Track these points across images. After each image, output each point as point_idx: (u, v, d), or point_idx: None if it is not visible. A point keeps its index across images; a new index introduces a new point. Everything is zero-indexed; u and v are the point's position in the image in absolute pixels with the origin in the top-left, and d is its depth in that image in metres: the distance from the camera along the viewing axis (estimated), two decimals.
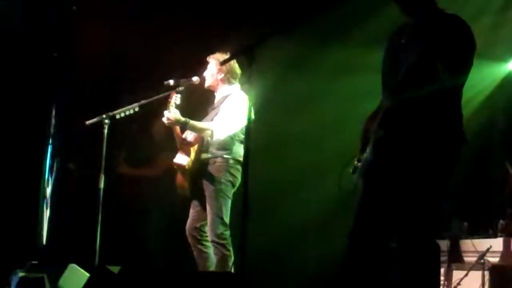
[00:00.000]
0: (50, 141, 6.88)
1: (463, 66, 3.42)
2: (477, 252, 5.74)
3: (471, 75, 3.47)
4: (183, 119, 5.04)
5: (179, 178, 5.17)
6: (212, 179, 5.04)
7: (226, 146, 5.08)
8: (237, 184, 5.07)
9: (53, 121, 6.89)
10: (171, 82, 5.18)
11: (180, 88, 5.15)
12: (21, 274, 4.52)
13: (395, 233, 3.49)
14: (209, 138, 5.07)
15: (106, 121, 5.14)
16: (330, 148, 6.58)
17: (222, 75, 5.21)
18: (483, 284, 5.46)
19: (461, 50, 3.38)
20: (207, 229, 5.08)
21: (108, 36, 6.70)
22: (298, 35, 6.31)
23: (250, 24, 6.36)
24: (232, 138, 5.08)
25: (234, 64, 5.14)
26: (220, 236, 4.98)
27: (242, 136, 4.94)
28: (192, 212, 5.19)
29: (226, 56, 5.02)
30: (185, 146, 5.16)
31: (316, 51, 6.87)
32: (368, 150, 3.58)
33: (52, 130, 6.88)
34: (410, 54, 3.43)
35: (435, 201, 3.42)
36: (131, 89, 6.44)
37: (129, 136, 6.93)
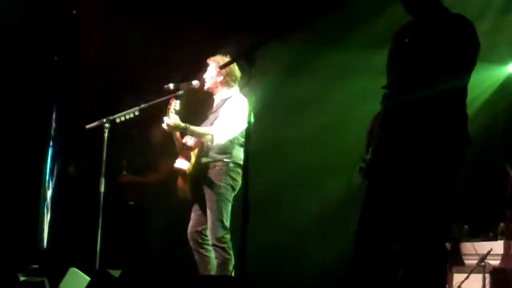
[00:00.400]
0: (51, 144, 6.88)
1: (467, 65, 3.42)
2: (478, 254, 5.75)
3: (471, 77, 3.47)
4: (182, 124, 5.03)
5: (180, 182, 5.17)
6: (212, 183, 5.03)
7: (226, 150, 5.06)
8: (238, 188, 5.06)
9: (53, 124, 6.89)
10: (171, 86, 5.18)
11: (180, 92, 5.14)
12: (21, 278, 4.51)
13: (399, 235, 3.48)
14: (209, 143, 5.07)
15: (107, 125, 5.15)
16: (331, 151, 6.59)
17: (222, 77, 5.19)
18: (483, 286, 5.46)
19: (465, 50, 3.38)
20: (208, 232, 5.08)
21: (108, 40, 6.70)
22: (298, 37, 6.31)
23: (250, 26, 6.36)
24: (232, 142, 5.06)
25: (233, 67, 5.12)
26: (220, 239, 4.96)
27: (242, 140, 4.93)
28: (193, 216, 5.18)
29: (226, 58, 5.02)
30: (185, 151, 5.16)
31: (316, 53, 6.85)
32: (370, 150, 3.59)
33: (52, 133, 6.89)
34: (414, 53, 3.43)
35: (442, 202, 3.40)
36: (131, 93, 6.44)
37: (130, 141, 6.93)
